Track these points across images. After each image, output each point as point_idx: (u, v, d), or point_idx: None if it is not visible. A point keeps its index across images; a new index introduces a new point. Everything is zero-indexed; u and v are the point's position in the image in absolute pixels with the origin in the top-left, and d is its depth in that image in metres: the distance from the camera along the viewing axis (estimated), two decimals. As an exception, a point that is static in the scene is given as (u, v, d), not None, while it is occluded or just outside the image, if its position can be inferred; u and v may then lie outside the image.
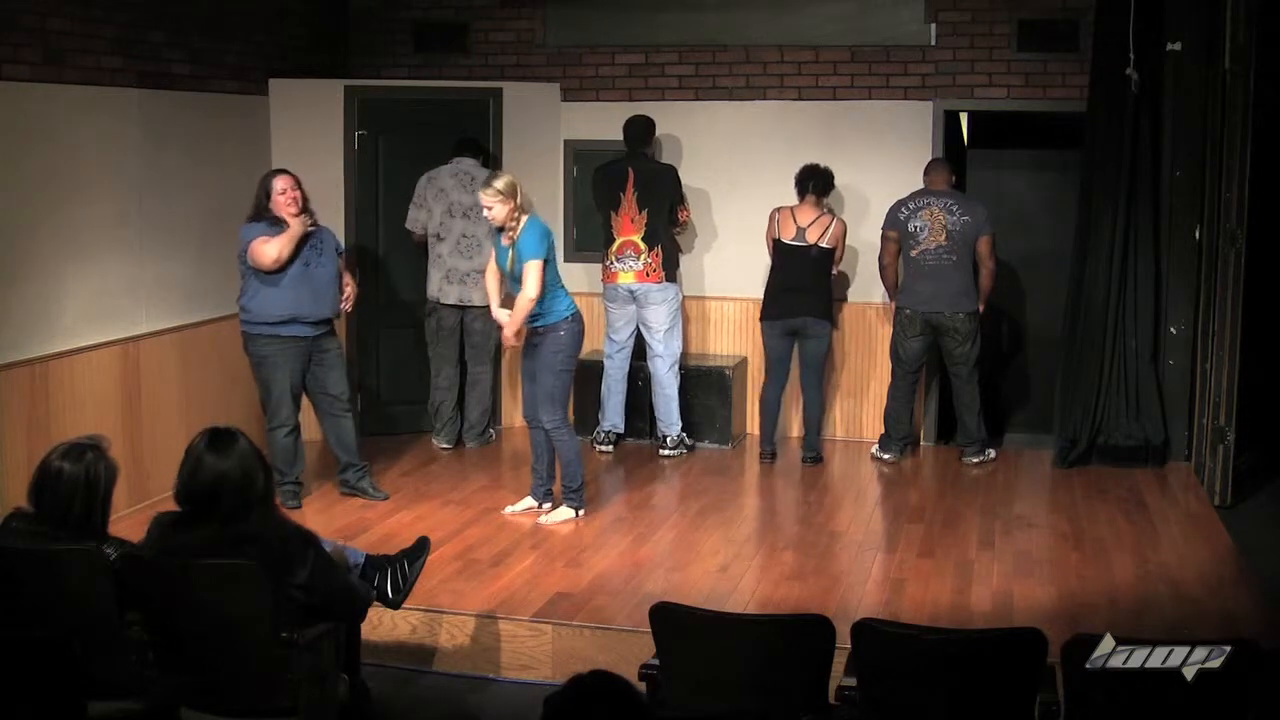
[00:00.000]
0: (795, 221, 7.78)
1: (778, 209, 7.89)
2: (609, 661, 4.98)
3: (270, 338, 6.66)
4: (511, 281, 6.52)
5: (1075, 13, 7.99)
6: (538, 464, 6.84)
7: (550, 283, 6.45)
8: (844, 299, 8.35)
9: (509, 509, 6.87)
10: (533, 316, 6.49)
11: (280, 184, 6.61)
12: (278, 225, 6.57)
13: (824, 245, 7.74)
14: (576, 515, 6.74)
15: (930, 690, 3.72)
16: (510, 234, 6.41)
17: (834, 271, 7.92)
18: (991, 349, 8.40)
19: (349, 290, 6.94)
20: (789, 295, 7.80)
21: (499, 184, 6.35)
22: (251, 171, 7.06)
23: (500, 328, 6.65)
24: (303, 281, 6.63)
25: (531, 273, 6.35)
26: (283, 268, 6.55)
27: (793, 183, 7.85)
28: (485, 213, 6.45)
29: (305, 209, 6.68)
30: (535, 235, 6.38)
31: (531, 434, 6.83)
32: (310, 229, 6.68)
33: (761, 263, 8.05)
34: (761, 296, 8.01)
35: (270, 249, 6.50)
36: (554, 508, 6.80)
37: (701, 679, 3.94)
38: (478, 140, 8.24)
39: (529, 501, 6.88)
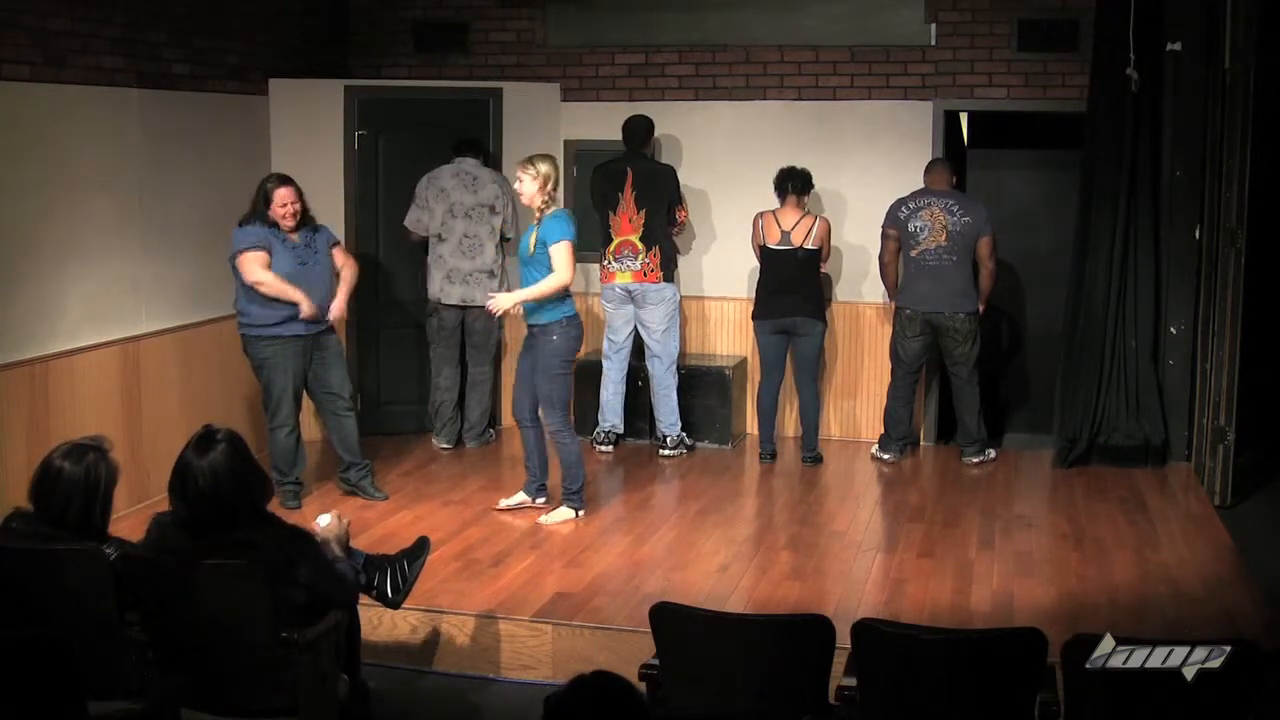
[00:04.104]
0: (779, 225, 7.78)
1: (760, 214, 7.90)
2: (609, 661, 4.98)
3: (270, 339, 6.67)
4: (521, 266, 6.58)
5: (1075, 13, 7.99)
6: (529, 461, 6.87)
7: None
8: (830, 299, 8.34)
9: (502, 503, 6.89)
10: (529, 309, 6.51)
11: (281, 195, 6.59)
12: (272, 229, 6.58)
13: (810, 247, 7.75)
14: (576, 516, 6.74)
15: (930, 690, 3.72)
16: (537, 217, 6.47)
17: (821, 270, 7.92)
18: (991, 349, 8.40)
19: (339, 300, 6.89)
20: (779, 296, 7.81)
21: (541, 165, 6.43)
22: (251, 171, 7.07)
23: (493, 313, 6.65)
24: (297, 283, 6.63)
25: (561, 255, 6.36)
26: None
27: (784, 186, 7.85)
28: (515, 184, 6.52)
29: (304, 216, 6.70)
30: (560, 219, 6.44)
31: (521, 432, 6.86)
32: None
33: (761, 263, 8.07)
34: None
35: (257, 277, 6.50)
36: (548, 504, 6.82)
37: (701, 679, 3.94)
38: (479, 140, 8.24)
39: (521, 496, 6.90)
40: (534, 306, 6.47)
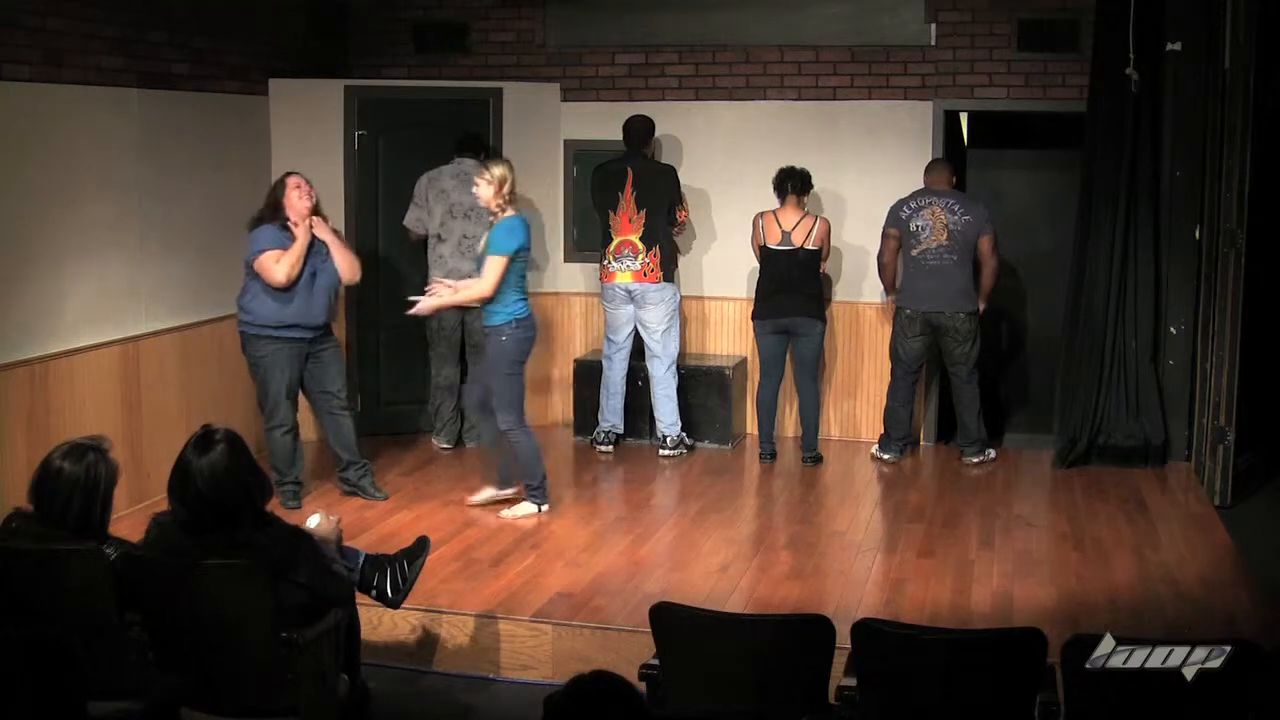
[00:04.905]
0: (779, 225, 7.78)
1: (760, 214, 7.90)
2: (609, 661, 4.98)
3: (269, 339, 6.67)
4: (478, 266, 6.69)
5: (1075, 13, 7.99)
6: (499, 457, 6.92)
7: (509, 284, 6.52)
8: (830, 299, 8.34)
9: (470, 499, 6.94)
10: (483, 310, 6.64)
11: (294, 180, 6.65)
12: (286, 229, 6.58)
13: (810, 247, 7.75)
14: (539, 511, 6.77)
15: (930, 690, 3.72)
16: (492, 220, 6.59)
17: (821, 270, 7.92)
18: (991, 349, 8.40)
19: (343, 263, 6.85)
20: (779, 296, 7.81)
21: (495, 170, 6.56)
22: (251, 171, 7.07)
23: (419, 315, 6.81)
24: (306, 290, 6.65)
25: (491, 267, 6.47)
26: (294, 281, 6.58)
27: (784, 186, 7.85)
28: (473, 188, 6.65)
29: (316, 209, 6.70)
30: (507, 230, 6.49)
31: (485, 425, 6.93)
32: (314, 228, 6.66)
33: (761, 263, 8.06)
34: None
35: (280, 270, 6.52)
36: (516, 493, 6.86)
37: (701, 679, 3.94)
38: (479, 137, 8.24)
39: (489, 491, 6.93)
40: (487, 308, 6.57)
